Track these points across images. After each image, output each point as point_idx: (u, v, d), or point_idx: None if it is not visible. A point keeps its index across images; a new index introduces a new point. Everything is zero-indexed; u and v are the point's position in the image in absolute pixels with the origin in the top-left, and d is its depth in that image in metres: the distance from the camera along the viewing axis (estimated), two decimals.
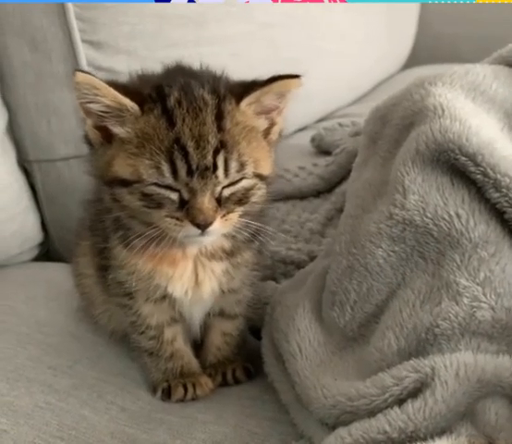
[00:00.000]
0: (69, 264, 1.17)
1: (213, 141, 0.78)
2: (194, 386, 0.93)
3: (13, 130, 1.35)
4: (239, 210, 0.82)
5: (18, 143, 1.36)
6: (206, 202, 0.78)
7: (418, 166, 0.83)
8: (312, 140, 1.58)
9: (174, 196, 0.79)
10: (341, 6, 1.84)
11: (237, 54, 1.47)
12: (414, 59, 2.32)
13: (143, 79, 0.85)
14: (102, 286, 0.98)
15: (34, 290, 1.19)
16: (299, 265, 1.15)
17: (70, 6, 1.26)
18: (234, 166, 0.79)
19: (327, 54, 1.77)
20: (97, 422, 0.87)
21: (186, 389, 0.93)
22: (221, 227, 0.80)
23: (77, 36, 1.28)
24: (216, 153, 0.78)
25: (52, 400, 0.91)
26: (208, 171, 0.78)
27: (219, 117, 0.79)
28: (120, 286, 0.91)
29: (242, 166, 0.80)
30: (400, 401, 0.72)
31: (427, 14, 2.33)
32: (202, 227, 0.79)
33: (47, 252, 1.45)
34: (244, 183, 0.81)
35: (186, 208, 0.79)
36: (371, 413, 0.73)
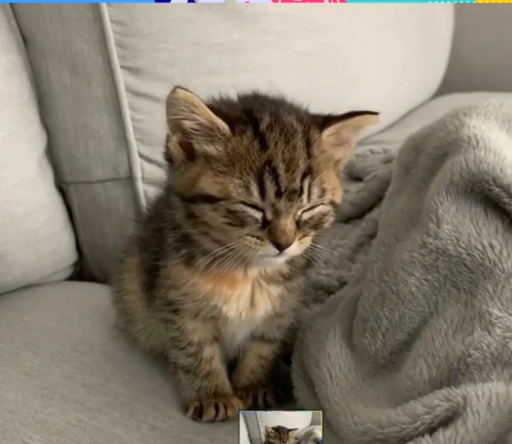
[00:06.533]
0: (105, 283, 1.18)
1: (302, 165, 0.80)
2: (226, 407, 0.94)
3: (51, 152, 1.38)
4: (313, 234, 0.85)
5: (55, 165, 1.38)
6: (289, 223, 0.81)
7: (452, 196, 0.85)
8: None
9: (258, 215, 0.81)
10: (380, 35, 1.86)
11: (272, 81, 1.46)
12: (446, 87, 2.33)
13: (226, 103, 0.87)
14: (145, 302, 1.00)
15: (68, 309, 1.21)
16: (329, 291, 1.15)
17: (111, 33, 1.29)
18: (316, 191, 0.82)
19: (362, 82, 1.78)
20: (128, 440, 0.88)
21: (217, 410, 0.94)
22: (296, 248, 0.83)
23: (116, 62, 1.31)
24: (304, 177, 0.81)
25: (84, 417, 0.91)
26: (295, 194, 0.80)
27: (308, 143, 0.82)
28: (169, 303, 0.92)
29: (323, 192, 0.83)
30: (431, 430, 0.72)
31: (459, 43, 2.35)
32: (282, 247, 0.81)
33: (80, 271, 1.47)
34: (321, 208, 0.84)
35: (268, 228, 0.81)
36: (402, 440, 0.73)
